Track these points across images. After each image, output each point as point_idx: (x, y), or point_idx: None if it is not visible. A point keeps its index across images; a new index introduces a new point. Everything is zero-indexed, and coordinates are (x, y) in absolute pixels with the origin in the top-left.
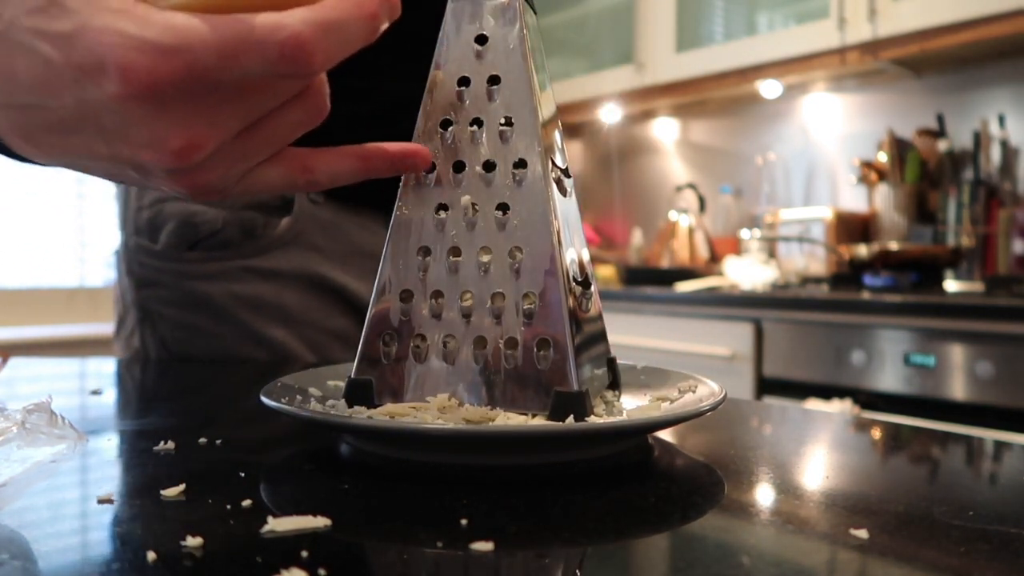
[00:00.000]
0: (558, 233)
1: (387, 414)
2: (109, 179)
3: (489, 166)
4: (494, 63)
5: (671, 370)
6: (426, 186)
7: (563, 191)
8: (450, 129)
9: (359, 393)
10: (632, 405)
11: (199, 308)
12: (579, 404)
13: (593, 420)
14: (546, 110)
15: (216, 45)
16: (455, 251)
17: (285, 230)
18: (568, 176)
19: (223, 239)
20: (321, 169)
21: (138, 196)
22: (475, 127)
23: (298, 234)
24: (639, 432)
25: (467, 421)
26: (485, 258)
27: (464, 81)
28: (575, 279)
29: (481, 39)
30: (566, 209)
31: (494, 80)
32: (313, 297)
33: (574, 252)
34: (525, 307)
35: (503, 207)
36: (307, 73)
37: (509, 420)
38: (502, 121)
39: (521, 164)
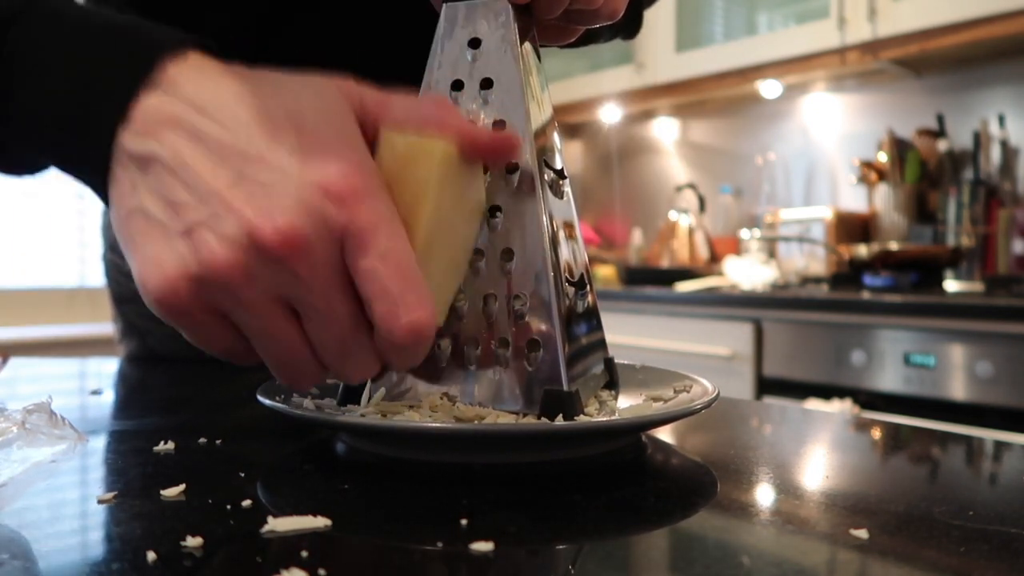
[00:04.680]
0: (549, 236)
1: (379, 412)
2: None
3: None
4: (487, 66)
5: (669, 370)
6: None
7: (557, 193)
8: None
9: (354, 392)
10: (627, 405)
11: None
12: (568, 403)
13: (582, 419)
14: (542, 112)
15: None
16: None
17: None
18: (564, 177)
19: None
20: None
21: (106, 211)
22: None
23: None
24: (626, 431)
25: (457, 419)
26: (478, 260)
27: (457, 85)
28: (568, 280)
29: (474, 42)
30: (560, 211)
31: (487, 83)
32: None
33: (567, 253)
34: (516, 308)
35: (495, 209)
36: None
37: (500, 419)
38: (495, 124)
39: (513, 167)
